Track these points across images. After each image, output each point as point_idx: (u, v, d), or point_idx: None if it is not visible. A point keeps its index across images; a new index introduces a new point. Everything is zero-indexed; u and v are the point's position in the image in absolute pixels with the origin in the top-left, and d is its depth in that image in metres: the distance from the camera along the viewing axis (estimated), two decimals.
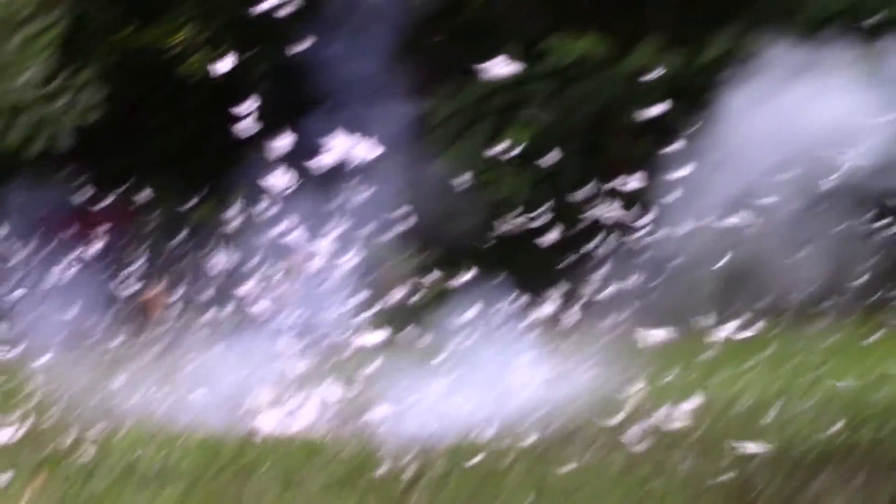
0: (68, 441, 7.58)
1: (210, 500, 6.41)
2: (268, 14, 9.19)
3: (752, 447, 7.51)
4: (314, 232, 9.41)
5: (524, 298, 9.67)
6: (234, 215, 13.69)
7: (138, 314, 11.44)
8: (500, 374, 8.85)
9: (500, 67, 8.89)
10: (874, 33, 11.02)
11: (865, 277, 10.89)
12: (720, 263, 8.52)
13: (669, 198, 8.56)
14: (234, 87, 18.97)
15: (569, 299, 10.50)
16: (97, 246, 11.80)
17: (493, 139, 13.84)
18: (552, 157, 13.08)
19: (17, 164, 12.97)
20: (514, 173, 13.41)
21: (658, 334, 9.57)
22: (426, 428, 7.92)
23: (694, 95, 12.90)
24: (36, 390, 9.20)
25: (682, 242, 8.29)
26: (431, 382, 8.44)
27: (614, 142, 14.34)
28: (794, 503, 6.52)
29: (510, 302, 9.76)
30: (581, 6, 14.00)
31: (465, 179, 13.84)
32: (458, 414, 8.21)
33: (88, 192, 12.79)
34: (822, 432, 7.84)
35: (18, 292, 10.37)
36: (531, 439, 7.68)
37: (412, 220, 11.11)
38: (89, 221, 12.89)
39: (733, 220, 8.08)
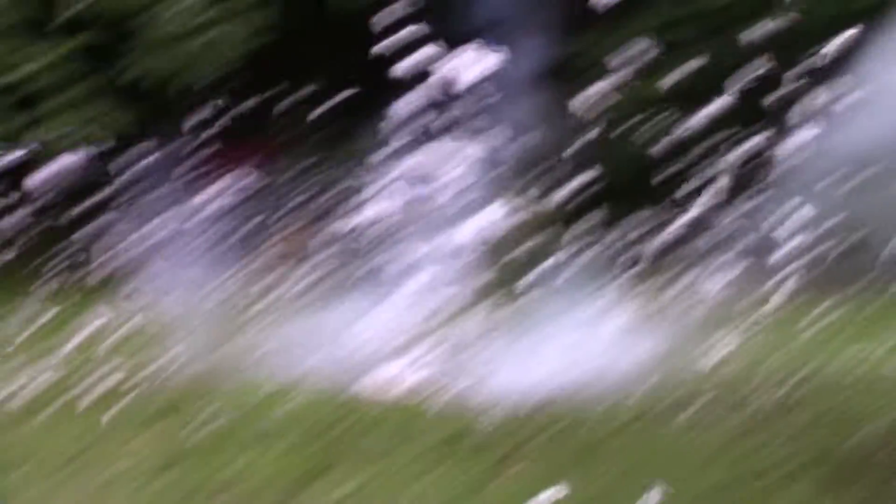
0: (179, 394, 7.87)
1: (308, 464, 6.56)
2: None
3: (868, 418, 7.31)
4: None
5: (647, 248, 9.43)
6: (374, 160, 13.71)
7: (272, 259, 11.59)
8: (605, 336, 8.73)
9: None
10: None
11: None
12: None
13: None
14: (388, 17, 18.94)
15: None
16: (242, 183, 11.95)
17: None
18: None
19: (174, 94, 13.12)
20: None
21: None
22: (529, 394, 7.89)
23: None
24: (152, 339, 9.49)
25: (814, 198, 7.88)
26: (538, 345, 8.39)
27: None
28: None
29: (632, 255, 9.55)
30: None
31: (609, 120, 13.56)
32: (563, 379, 8.15)
33: (238, 124, 12.89)
34: None
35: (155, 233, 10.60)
36: (635, 404, 7.61)
37: (548, 168, 10.90)
38: (237, 156, 12.99)
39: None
